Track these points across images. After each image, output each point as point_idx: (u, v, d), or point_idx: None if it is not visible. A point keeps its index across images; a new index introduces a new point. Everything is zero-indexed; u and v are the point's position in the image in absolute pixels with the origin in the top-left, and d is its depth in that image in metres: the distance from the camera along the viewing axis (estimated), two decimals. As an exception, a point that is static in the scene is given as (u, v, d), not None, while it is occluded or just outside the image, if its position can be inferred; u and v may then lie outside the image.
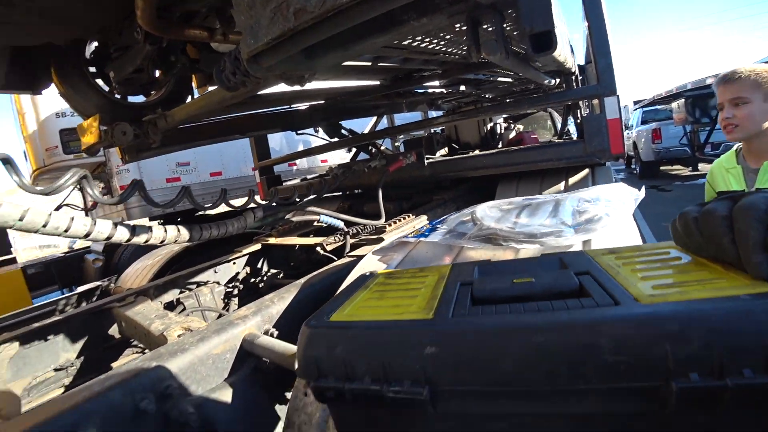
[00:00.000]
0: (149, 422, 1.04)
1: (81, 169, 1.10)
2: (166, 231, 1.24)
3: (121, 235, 1.10)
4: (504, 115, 5.19)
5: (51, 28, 1.70)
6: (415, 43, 1.60)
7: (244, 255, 2.23)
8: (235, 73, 1.19)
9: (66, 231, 1.00)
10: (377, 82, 3.17)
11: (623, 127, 2.43)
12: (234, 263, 2.22)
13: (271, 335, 1.27)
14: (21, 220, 0.97)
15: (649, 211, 6.46)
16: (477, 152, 3.57)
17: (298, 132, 3.63)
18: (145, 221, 5.85)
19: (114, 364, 1.95)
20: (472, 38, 1.07)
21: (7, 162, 0.93)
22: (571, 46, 3.00)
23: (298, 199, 1.96)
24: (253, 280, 2.23)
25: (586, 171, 2.63)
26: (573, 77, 3.37)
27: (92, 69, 2.31)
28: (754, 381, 0.33)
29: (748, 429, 0.36)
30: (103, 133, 2.22)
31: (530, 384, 0.38)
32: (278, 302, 1.35)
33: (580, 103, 3.66)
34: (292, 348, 1.11)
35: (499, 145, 4.34)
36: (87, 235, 1.02)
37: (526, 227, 1.07)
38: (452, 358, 0.41)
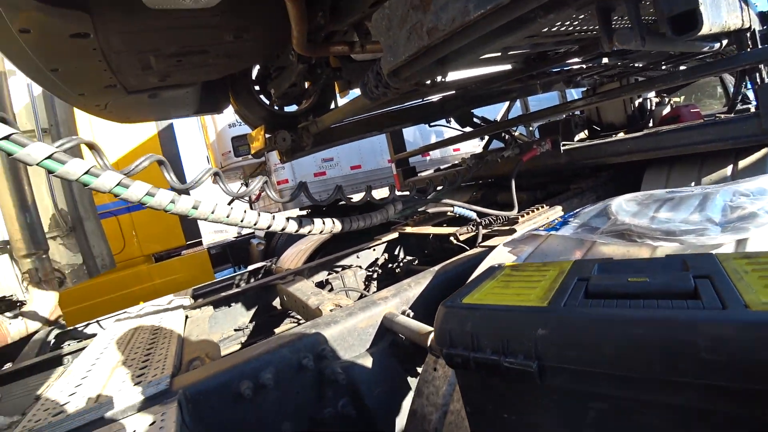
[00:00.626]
0: (308, 376, 1.30)
1: (213, 168, 1.37)
2: (324, 223, 1.50)
3: (293, 226, 1.38)
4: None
5: (232, 63, 2.11)
6: (545, 29, 1.58)
7: (383, 242, 2.46)
8: (377, 86, 1.35)
9: (254, 223, 1.30)
10: (509, 66, 3.12)
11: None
12: (374, 250, 2.47)
13: (408, 315, 1.43)
14: (195, 208, 1.24)
15: None
16: (621, 135, 3.25)
17: (431, 124, 3.77)
18: (296, 211, 6.74)
19: (276, 330, 2.37)
20: (604, 28, 1.05)
21: (162, 163, 1.21)
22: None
23: (434, 191, 2.10)
24: (390, 265, 2.46)
25: (763, 151, 2.21)
26: (748, 33, 2.83)
27: (257, 87, 2.78)
28: None
29: None
30: (268, 140, 2.66)
31: (627, 370, 0.44)
32: (415, 286, 1.52)
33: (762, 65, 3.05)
34: (425, 328, 1.25)
35: (650, 124, 3.86)
36: (268, 227, 1.31)
37: (664, 223, 1.03)
38: (559, 339, 0.49)
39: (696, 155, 2.37)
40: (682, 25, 0.94)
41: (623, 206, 1.27)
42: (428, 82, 1.47)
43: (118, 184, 1.06)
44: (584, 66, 3.74)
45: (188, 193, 2.65)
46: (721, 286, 0.49)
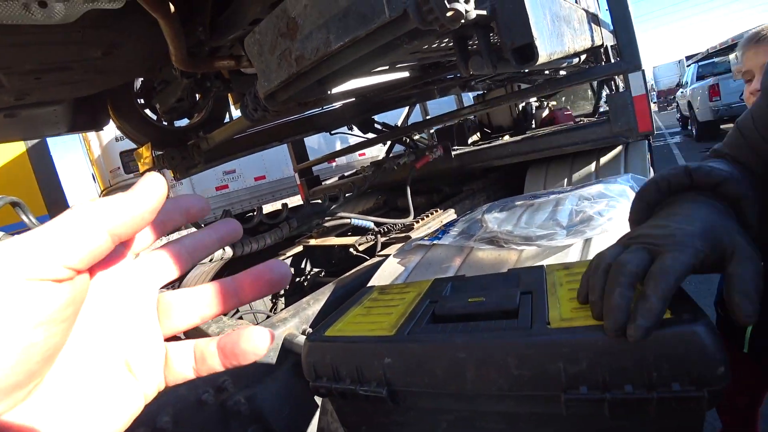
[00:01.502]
0: (210, 412, 1.25)
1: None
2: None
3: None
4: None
5: (105, 79, 1.94)
6: (425, 47, 1.68)
7: (288, 257, 2.43)
8: (256, 109, 1.34)
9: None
10: (406, 74, 3.24)
11: (649, 100, 2.35)
12: (279, 266, 2.42)
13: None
14: None
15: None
16: (505, 139, 3.56)
17: (332, 133, 3.79)
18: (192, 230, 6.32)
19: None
20: (461, 56, 1.15)
21: (17, 205, 1.12)
22: (597, 15, 2.91)
23: (331, 204, 2.12)
24: (297, 279, 2.44)
25: (618, 149, 2.58)
26: (602, 50, 3.26)
27: (141, 101, 2.59)
28: (632, 395, 0.43)
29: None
30: (156, 159, 2.49)
31: (458, 388, 0.50)
32: (314, 304, 1.52)
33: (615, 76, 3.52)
34: (323, 347, 1.27)
35: (533, 125, 4.27)
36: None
37: (524, 229, 1.15)
38: (402, 366, 0.54)
39: (567, 155, 2.69)
40: (523, 56, 1.06)
41: (495, 214, 1.40)
42: (312, 101, 1.49)
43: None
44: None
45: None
46: (537, 302, 0.57)
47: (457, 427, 0.55)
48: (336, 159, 6.63)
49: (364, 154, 7.00)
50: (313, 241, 2.52)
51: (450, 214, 2.33)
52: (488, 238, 1.24)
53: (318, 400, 1.47)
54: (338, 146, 5.09)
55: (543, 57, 1.07)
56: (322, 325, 0.69)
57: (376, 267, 1.66)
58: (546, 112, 4.32)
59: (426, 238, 1.44)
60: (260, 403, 1.31)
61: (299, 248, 2.51)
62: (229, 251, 1.48)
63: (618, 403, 0.43)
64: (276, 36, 1.06)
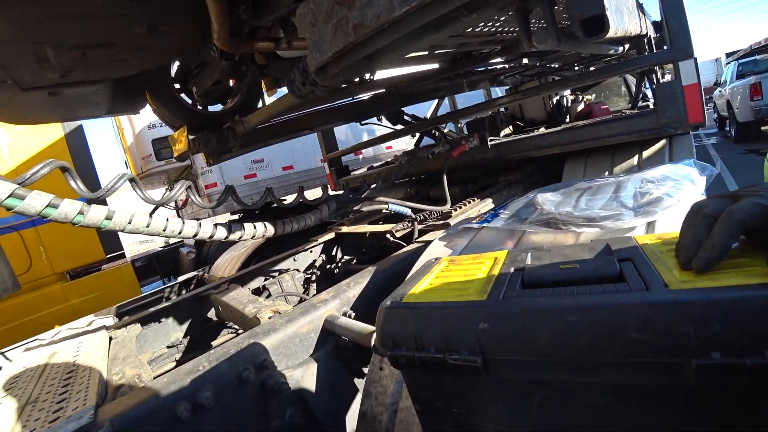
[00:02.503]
0: (251, 390, 1.24)
1: (128, 173, 1.25)
2: (255, 228, 1.42)
3: (221, 233, 1.29)
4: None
5: (146, 59, 1.95)
6: (469, 30, 1.63)
7: (319, 243, 2.42)
8: (304, 83, 1.31)
9: (178, 232, 1.20)
10: (437, 65, 3.20)
11: (701, 89, 2.24)
12: (311, 251, 2.41)
13: (349, 317, 1.41)
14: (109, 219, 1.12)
15: (747, 179, 5.84)
16: (542, 130, 3.47)
17: (362, 122, 3.76)
18: (227, 216, 6.42)
19: (214, 343, 2.24)
20: (523, 28, 1.10)
21: (66, 170, 1.09)
22: (640, 3, 2.79)
23: (367, 189, 2.09)
24: (328, 266, 2.42)
25: (662, 143, 2.47)
26: (645, 39, 3.14)
27: (177, 86, 2.60)
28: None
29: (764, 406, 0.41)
30: (191, 142, 2.50)
31: (564, 356, 0.45)
32: (354, 286, 1.50)
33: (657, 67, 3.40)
34: (368, 327, 1.23)
35: (567, 120, 4.16)
36: (195, 235, 1.22)
37: (585, 210, 1.10)
38: (500, 333, 0.49)
39: (608, 147, 2.60)
40: (592, 28, 1.01)
41: (548, 197, 1.34)
42: (356, 79, 1.46)
43: (10, 196, 0.93)
44: (507, 66, 3.95)
45: (105, 203, 2.42)
46: (643, 268, 0.52)
47: (553, 401, 0.51)
48: (363, 151, 6.61)
49: (390, 147, 6.96)
50: (345, 228, 2.49)
51: (488, 204, 2.28)
52: (544, 221, 1.19)
53: (359, 383, 1.44)
54: (365, 139, 5.06)
55: (612, 30, 1.01)
56: (394, 294, 0.66)
57: (418, 252, 1.62)
58: (581, 106, 4.19)
59: (474, 221, 1.40)
60: (301, 384, 1.29)
61: (331, 235, 2.49)
62: (270, 229, 1.46)
63: (759, 369, 0.38)
64: (332, 4, 1.03)
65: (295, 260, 2.36)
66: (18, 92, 1.98)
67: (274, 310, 1.54)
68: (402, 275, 1.51)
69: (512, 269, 0.63)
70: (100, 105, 2.61)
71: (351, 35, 1.02)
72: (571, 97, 4.39)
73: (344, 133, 6.11)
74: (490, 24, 1.63)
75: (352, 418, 1.35)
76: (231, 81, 2.62)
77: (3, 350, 2.28)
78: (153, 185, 6.93)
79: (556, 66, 4.53)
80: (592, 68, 4.20)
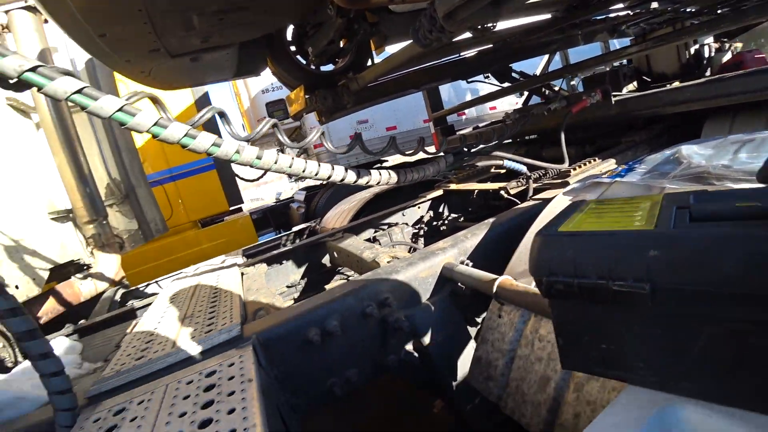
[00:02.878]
0: (372, 324, 1.34)
1: (271, 119, 1.34)
2: (380, 174, 1.50)
3: (351, 177, 1.39)
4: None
5: (271, 21, 2.07)
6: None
7: (428, 200, 2.46)
8: (432, 30, 1.31)
9: (314, 173, 1.31)
10: (548, 16, 2.94)
11: None
12: (419, 207, 2.47)
13: (467, 265, 1.43)
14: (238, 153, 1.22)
15: None
16: (676, 84, 3.05)
17: (469, 80, 3.64)
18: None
19: (327, 287, 2.44)
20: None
21: (223, 115, 1.21)
22: None
23: (483, 144, 2.06)
24: (435, 222, 2.46)
25: (840, 97, 2.04)
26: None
27: (293, 48, 2.74)
28: None
29: None
30: (308, 101, 2.64)
31: (751, 288, 0.42)
32: (471, 238, 1.52)
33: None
34: (488, 275, 1.25)
35: (708, 73, 3.60)
36: (329, 177, 1.32)
37: (747, 164, 0.97)
38: (674, 260, 0.47)
39: (762, 103, 2.21)
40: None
41: (696, 150, 1.21)
42: (482, 27, 1.41)
43: (185, 135, 1.08)
44: (630, 13, 3.49)
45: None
46: None
47: (723, 342, 0.48)
48: (466, 112, 6.45)
49: (494, 107, 6.70)
50: (453, 186, 2.50)
51: (610, 164, 2.11)
52: (692, 175, 1.08)
53: (471, 331, 1.48)
54: (468, 98, 4.91)
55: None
56: (547, 225, 0.65)
57: (537, 208, 1.58)
58: (728, 56, 3.58)
59: (604, 176, 1.31)
60: (418, 325, 1.36)
61: (439, 192, 2.51)
62: (394, 177, 1.53)
63: None
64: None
65: (403, 215, 2.43)
66: (168, 59, 2.25)
67: (392, 255, 1.62)
68: (519, 230, 1.49)
69: (675, 207, 0.59)
70: (228, 69, 2.86)
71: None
72: (715, 46, 3.76)
73: (447, 94, 6.00)
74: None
75: (464, 363, 1.40)
76: (342, 41, 2.69)
77: (157, 279, 2.72)
78: (265, 146, 7.56)
79: (692, 11, 3.88)
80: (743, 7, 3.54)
